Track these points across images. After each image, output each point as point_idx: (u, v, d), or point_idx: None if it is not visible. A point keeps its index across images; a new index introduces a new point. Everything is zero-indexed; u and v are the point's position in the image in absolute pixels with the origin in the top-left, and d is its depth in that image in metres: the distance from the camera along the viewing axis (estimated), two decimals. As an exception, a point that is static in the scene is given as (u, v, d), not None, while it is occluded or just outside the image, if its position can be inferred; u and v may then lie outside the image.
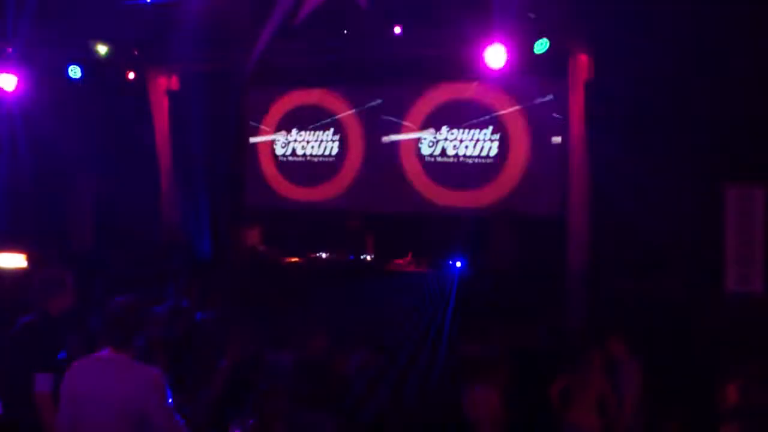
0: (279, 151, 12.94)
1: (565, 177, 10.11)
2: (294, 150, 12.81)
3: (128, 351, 3.68)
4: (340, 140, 12.44)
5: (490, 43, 9.25)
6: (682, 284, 8.62)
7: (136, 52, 11.35)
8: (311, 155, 12.68)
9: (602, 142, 9.35)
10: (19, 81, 10.60)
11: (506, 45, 9.22)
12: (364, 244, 11.43)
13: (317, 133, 12.61)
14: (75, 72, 10.96)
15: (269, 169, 13.02)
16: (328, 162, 12.56)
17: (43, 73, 11.02)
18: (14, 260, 9.93)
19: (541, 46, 9.21)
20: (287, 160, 12.89)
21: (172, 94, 12.50)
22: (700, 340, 7.79)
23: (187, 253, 11.45)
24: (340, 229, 11.71)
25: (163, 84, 12.40)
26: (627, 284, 8.84)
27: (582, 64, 9.71)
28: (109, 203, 12.13)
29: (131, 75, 11.47)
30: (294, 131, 12.79)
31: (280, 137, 12.90)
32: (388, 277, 10.50)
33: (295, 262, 11.53)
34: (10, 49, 10.41)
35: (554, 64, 9.94)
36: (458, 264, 10.41)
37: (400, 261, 11.01)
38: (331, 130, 12.49)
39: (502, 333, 7.56)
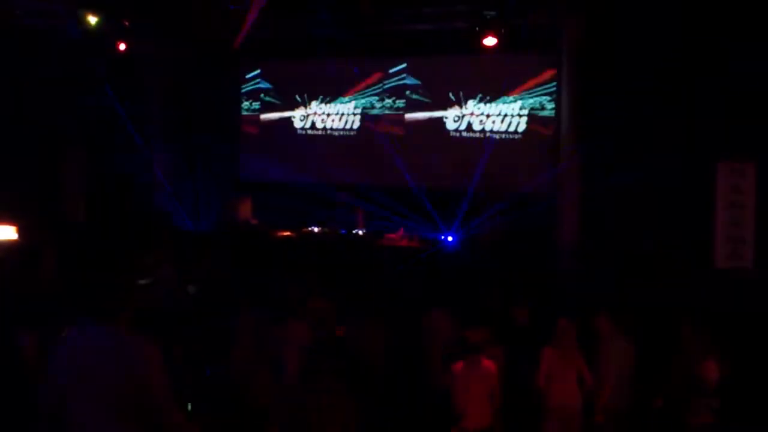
0: (297, 124, 12.69)
1: (556, 152, 10.11)
2: (314, 123, 12.57)
3: (116, 321, 3.62)
4: (362, 114, 12.20)
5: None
6: (672, 260, 8.66)
7: (126, 23, 11.20)
8: (332, 129, 12.47)
9: (594, 118, 9.34)
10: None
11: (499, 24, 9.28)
12: (356, 218, 11.43)
13: (338, 106, 12.37)
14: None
15: (282, 144, 12.76)
16: (349, 136, 12.33)
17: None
18: (5, 232, 9.87)
19: None
20: (306, 134, 12.66)
21: (162, 66, 12.39)
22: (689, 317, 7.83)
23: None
24: (331, 203, 11.70)
25: (154, 55, 12.27)
26: (617, 261, 8.86)
27: (574, 38, 9.65)
28: (101, 175, 12.11)
29: (122, 46, 11.32)
30: (314, 104, 12.54)
31: (298, 111, 12.67)
32: (380, 250, 10.53)
33: (287, 235, 11.52)
34: None
35: (548, 40, 9.93)
36: (450, 239, 10.43)
37: (392, 235, 11.01)
38: (353, 104, 12.26)
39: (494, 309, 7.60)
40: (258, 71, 13.00)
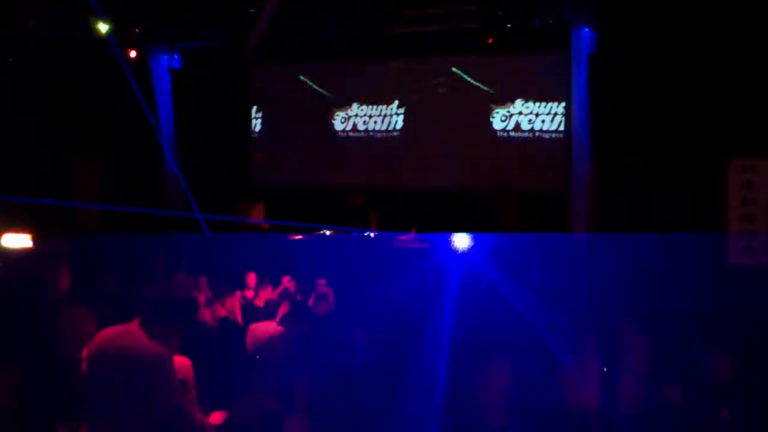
0: (338, 126, 12.50)
1: (568, 152, 10.09)
2: (355, 125, 12.38)
3: (135, 322, 3.74)
4: (405, 114, 11.96)
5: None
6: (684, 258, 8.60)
7: (137, 30, 11.31)
8: (374, 130, 12.26)
9: (605, 117, 9.32)
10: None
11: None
12: (368, 220, 11.43)
13: (380, 107, 12.13)
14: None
15: (315, 146, 12.55)
16: (392, 137, 12.09)
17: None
18: (20, 240, 9.94)
19: None
20: (347, 136, 12.48)
21: (174, 73, 12.48)
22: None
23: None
24: (343, 205, 11.71)
25: (166, 62, 12.37)
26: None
27: (584, 37, 9.64)
28: (114, 182, 12.20)
29: (133, 53, 11.43)
30: (355, 105, 12.32)
31: (339, 113, 12.45)
32: (393, 253, 10.53)
33: (299, 239, 11.54)
34: None
35: (557, 39, 9.93)
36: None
37: (404, 237, 10.99)
38: (395, 103, 12.00)
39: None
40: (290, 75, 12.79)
